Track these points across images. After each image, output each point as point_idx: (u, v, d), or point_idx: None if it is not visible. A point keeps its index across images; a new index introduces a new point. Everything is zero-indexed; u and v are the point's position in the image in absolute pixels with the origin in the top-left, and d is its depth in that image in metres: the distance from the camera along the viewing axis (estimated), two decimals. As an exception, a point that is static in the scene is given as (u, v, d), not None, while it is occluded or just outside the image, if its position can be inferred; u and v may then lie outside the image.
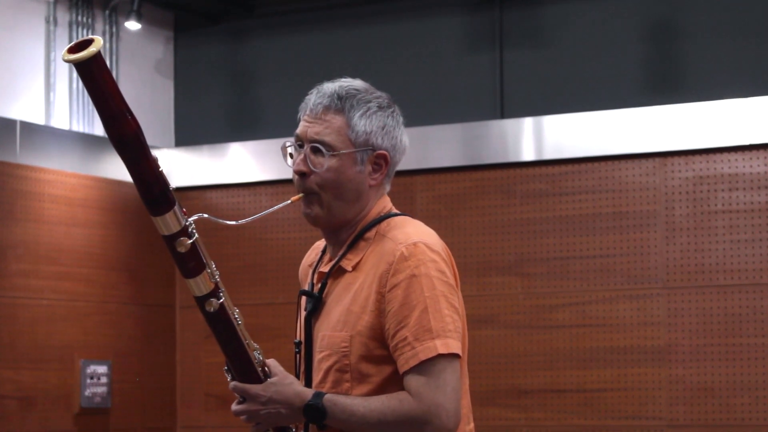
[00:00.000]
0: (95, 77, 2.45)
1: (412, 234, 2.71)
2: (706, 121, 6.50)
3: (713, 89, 6.59)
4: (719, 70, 6.67)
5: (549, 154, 6.79)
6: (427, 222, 2.82)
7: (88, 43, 2.44)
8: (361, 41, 7.45)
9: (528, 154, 6.83)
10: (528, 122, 6.85)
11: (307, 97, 2.79)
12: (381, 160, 2.78)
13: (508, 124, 6.91)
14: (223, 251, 7.26)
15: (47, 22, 7.09)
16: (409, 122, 8.06)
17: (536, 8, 7.06)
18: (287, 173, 2.81)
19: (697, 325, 6.46)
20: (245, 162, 7.47)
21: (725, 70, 6.66)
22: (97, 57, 2.44)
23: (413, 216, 2.82)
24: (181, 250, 2.59)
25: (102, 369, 7.00)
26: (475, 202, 6.91)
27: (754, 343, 6.37)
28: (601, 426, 6.61)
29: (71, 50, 2.45)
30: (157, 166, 2.54)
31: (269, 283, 7.32)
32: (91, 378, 6.93)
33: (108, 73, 2.47)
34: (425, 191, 7.02)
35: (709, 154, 6.51)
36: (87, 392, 6.90)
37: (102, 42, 2.45)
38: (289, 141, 2.81)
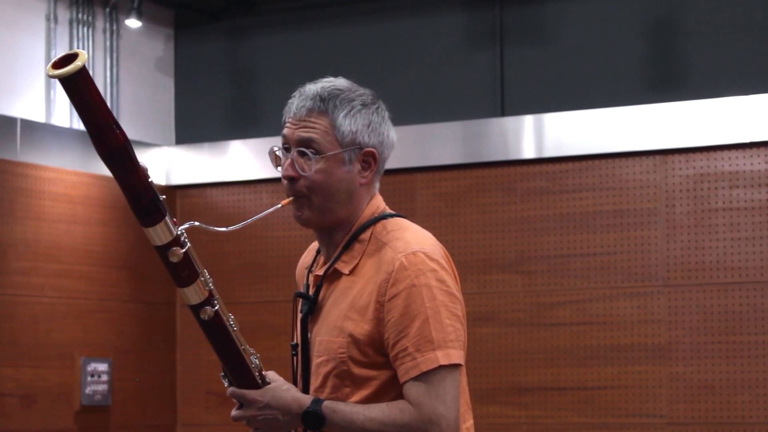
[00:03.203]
0: (81, 91, 2.45)
1: (412, 242, 2.69)
2: (707, 118, 6.49)
3: (714, 87, 6.58)
4: (720, 67, 6.66)
5: (549, 152, 6.79)
6: (428, 220, 2.82)
7: (74, 57, 2.43)
8: (361, 39, 7.44)
9: (528, 152, 6.82)
10: (528, 120, 6.84)
11: (290, 101, 2.76)
12: (369, 158, 2.76)
13: (509, 121, 6.90)
14: (223, 249, 7.25)
15: (48, 19, 7.09)
16: (410, 120, 8.00)
17: (536, 5, 7.05)
18: (288, 171, 2.79)
19: (698, 322, 6.46)
20: (246, 160, 7.46)
21: (726, 67, 6.65)
22: (82, 71, 2.43)
23: (413, 214, 2.82)
24: (174, 260, 2.58)
25: (102, 367, 7.00)
26: (476, 199, 6.90)
27: (754, 341, 6.37)
28: (601, 424, 6.60)
29: (56, 65, 2.44)
30: (147, 177, 2.52)
31: (270, 281, 7.31)
32: (92, 376, 6.93)
33: (93, 86, 2.45)
34: (426, 189, 7.00)
35: (710, 151, 6.50)
36: (87, 390, 6.90)
37: (86, 56, 2.44)
38: (277, 146, 2.79)
